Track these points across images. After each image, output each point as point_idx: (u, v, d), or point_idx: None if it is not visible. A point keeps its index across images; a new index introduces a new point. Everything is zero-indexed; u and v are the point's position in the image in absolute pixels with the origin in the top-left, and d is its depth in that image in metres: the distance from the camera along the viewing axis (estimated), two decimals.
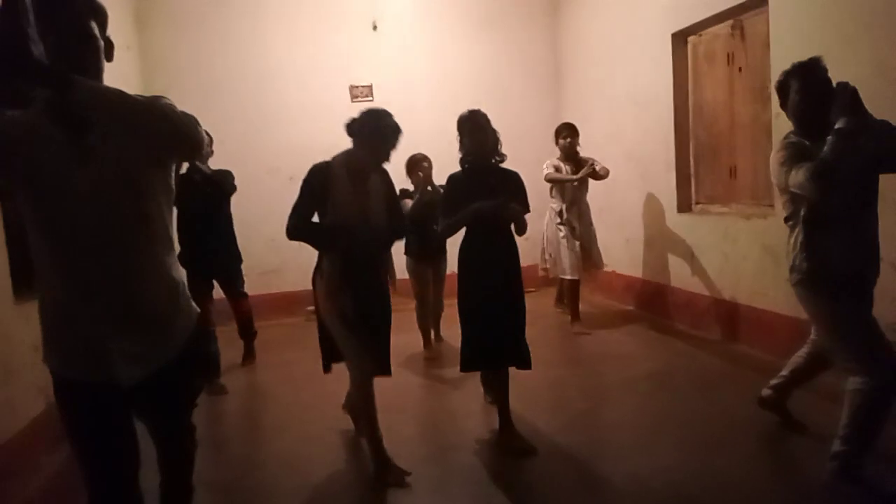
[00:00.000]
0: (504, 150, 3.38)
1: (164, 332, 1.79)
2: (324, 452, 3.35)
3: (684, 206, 5.37)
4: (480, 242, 3.27)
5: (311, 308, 6.54)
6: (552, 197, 5.68)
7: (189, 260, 4.79)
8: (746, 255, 4.53)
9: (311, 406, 4.05)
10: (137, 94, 1.71)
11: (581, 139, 6.41)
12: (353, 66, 6.94)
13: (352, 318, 2.94)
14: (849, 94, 2.42)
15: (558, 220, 5.59)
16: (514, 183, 3.32)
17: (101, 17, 1.70)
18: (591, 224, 5.71)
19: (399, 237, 3.25)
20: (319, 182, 2.92)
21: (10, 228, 3.34)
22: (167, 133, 1.66)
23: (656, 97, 5.47)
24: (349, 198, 2.93)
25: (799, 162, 2.48)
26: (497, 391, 3.37)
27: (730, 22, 4.67)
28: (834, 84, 2.54)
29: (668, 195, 5.46)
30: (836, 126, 2.41)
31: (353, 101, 6.85)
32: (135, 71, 6.14)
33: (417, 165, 4.88)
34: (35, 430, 3.24)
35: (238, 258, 4.92)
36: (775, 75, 3.98)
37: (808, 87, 2.61)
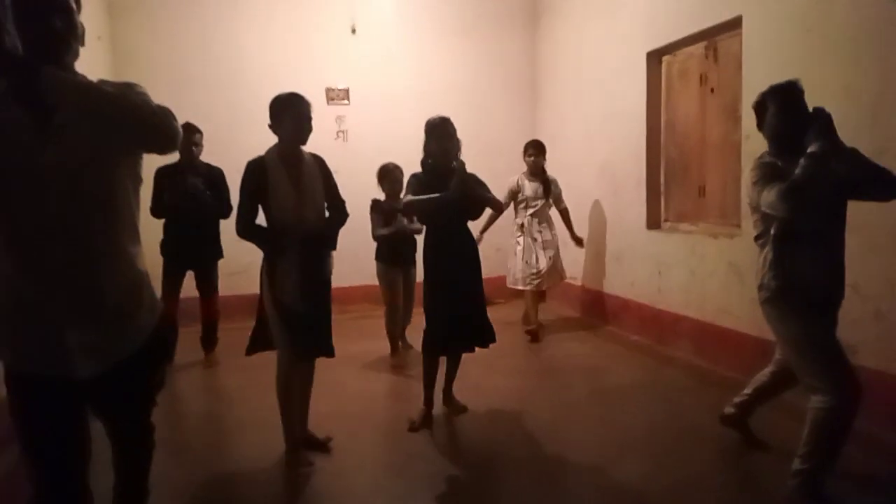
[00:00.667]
0: (478, 159, 3.55)
1: (124, 325, 1.74)
2: (283, 459, 3.27)
3: (653, 222, 5.43)
4: (441, 236, 3.57)
5: None
6: (515, 212, 5.85)
7: (170, 247, 4.79)
8: (713, 272, 4.60)
9: (274, 410, 3.95)
10: (110, 82, 1.66)
11: (555, 152, 6.53)
12: (329, 69, 6.88)
13: (290, 304, 3.00)
14: (824, 120, 2.49)
15: (518, 234, 5.79)
16: (475, 181, 3.57)
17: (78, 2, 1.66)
18: (555, 236, 5.86)
19: (341, 216, 3.26)
20: (256, 177, 3.02)
21: None
22: (136, 125, 1.64)
23: (630, 113, 5.55)
24: (286, 186, 3.01)
25: (771, 182, 2.53)
26: (449, 369, 3.79)
27: (704, 43, 4.76)
28: (810, 108, 2.59)
29: (638, 211, 5.52)
30: (809, 149, 2.46)
31: (328, 104, 6.81)
32: (105, 61, 5.99)
33: (389, 175, 4.91)
34: None
35: (218, 254, 4.95)
36: (747, 96, 4.09)
37: (785, 108, 2.67)
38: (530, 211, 5.73)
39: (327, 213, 3.23)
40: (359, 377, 4.60)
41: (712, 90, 4.73)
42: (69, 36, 1.64)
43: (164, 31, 6.38)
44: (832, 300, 2.67)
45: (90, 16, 4.64)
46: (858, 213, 3.32)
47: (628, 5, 5.51)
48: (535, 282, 5.75)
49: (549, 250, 5.79)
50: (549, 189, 5.75)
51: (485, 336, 3.68)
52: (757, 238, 2.78)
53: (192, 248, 4.74)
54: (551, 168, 6.10)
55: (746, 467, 3.14)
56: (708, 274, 4.65)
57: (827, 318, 2.64)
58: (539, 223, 5.78)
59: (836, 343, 2.60)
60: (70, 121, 1.59)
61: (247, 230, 3.03)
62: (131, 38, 6.26)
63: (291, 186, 3.02)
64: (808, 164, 2.44)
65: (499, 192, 5.82)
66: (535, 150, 5.72)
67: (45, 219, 1.60)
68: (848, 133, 3.40)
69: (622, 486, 2.90)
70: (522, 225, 5.78)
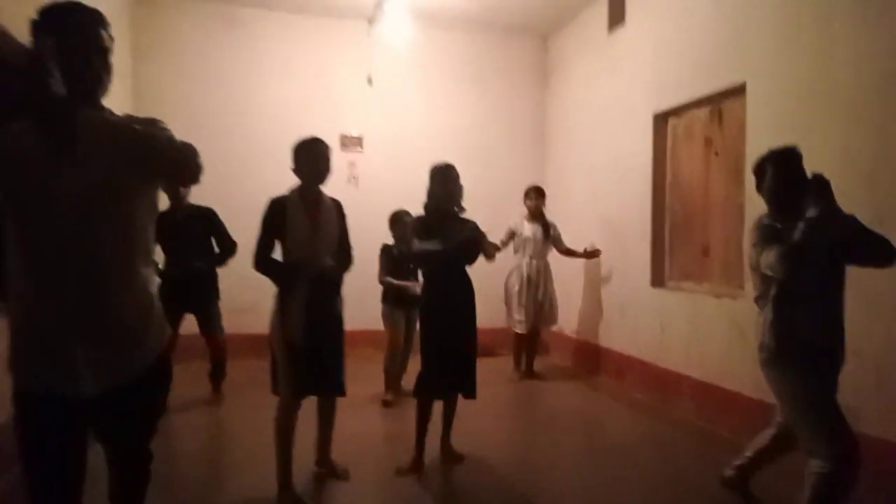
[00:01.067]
0: (486, 206, 3.65)
1: (133, 346, 1.80)
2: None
3: (658, 280, 5.46)
4: (440, 283, 3.68)
5: None
6: (514, 253, 6.14)
7: (167, 291, 4.79)
8: (715, 332, 4.59)
9: (269, 446, 3.92)
10: (136, 118, 1.78)
11: (561, 204, 6.69)
12: (345, 116, 7.08)
13: (297, 342, 3.07)
14: (822, 186, 2.54)
15: (516, 276, 6.08)
16: (470, 229, 3.75)
17: (108, 28, 1.79)
18: (550, 281, 6.14)
19: (347, 260, 3.38)
20: (276, 213, 3.15)
21: None
22: (162, 161, 1.76)
23: (636, 170, 5.64)
24: (304, 223, 3.14)
25: (770, 244, 2.58)
26: (446, 415, 3.83)
27: (709, 107, 4.88)
28: (809, 173, 2.66)
29: (642, 267, 5.56)
30: (808, 214, 2.51)
31: (342, 150, 6.95)
32: (128, 100, 6.19)
33: (400, 221, 5.11)
34: None
35: (216, 296, 5.00)
36: (750, 159, 4.16)
37: (783, 173, 2.75)
38: (529, 252, 6.03)
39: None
40: (355, 419, 4.54)
41: (716, 153, 4.82)
42: (104, 74, 1.76)
43: (186, 72, 6.61)
44: (832, 361, 2.66)
45: (116, 56, 4.83)
46: (862, 278, 3.35)
47: (636, 67, 5.67)
48: (529, 322, 6.00)
49: (546, 292, 6.07)
50: (548, 231, 6.05)
51: (467, 387, 3.70)
52: (757, 299, 2.80)
53: (190, 293, 4.72)
54: (558, 220, 6.21)
55: None
56: (710, 334, 4.65)
57: (827, 379, 2.64)
58: (537, 265, 6.05)
59: (836, 406, 2.59)
60: (93, 152, 1.67)
61: (263, 264, 3.15)
62: (154, 78, 6.48)
63: (309, 224, 3.15)
64: (806, 228, 2.48)
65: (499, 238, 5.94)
66: (536, 194, 6.10)
67: (63, 242, 1.66)
68: (846, 197, 3.45)
69: None
70: (519, 265, 6.08)
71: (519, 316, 6.01)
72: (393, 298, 5.10)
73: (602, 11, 6.26)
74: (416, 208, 4.94)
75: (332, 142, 6.86)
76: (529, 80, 7.72)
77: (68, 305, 1.68)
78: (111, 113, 1.78)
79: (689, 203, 5.20)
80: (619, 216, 5.97)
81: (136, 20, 6.42)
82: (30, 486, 1.74)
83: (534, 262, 6.04)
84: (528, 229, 6.05)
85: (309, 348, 3.09)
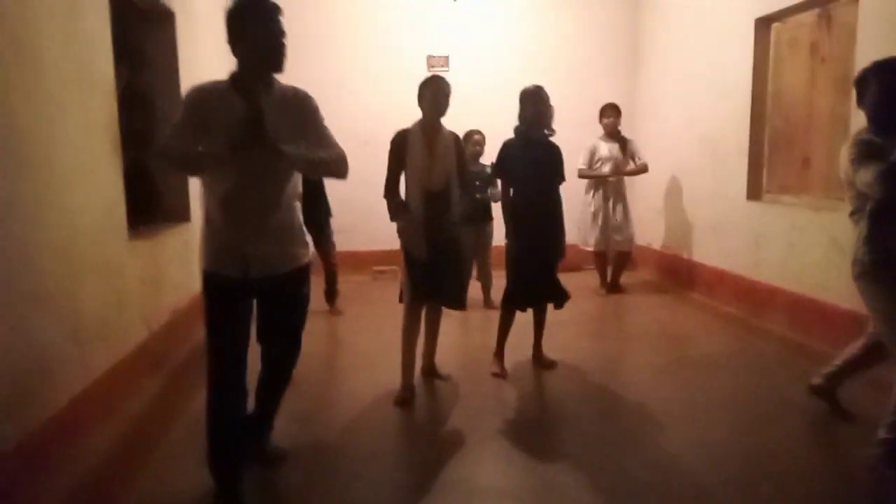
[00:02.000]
0: (576, 126, 3.75)
1: (286, 248, 2.48)
2: (387, 396, 3.63)
3: (754, 193, 5.37)
4: (529, 197, 3.87)
5: (378, 268, 6.96)
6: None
7: None
8: (813, 246, 4.54)
9: (379, 353, 4.35)
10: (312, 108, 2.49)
11: (655, 121, 6.56)
12: (431, 36, 7.13)
13: (418, 258, 3.47)
14: None
15: (591, 196, 6.18)
16: (556, 156, 3.96)
17: (283, 15, 2.35)
18: (626, 201, 6.24)
19: (464, 183, 3.71)
20: (398, 143, 3.53)
21: (128, 171, 3.71)
22: (312, 135, 2.46)
23: (735, 83, 5.45)
24: (421, 151, 3.49)
25: (868, 161, 2.56)
26: (536, 325, 4.16)
27: (817, 10, 4.61)
28: None
29: (738, 182, 5.47)
30: None
31: (429, 70, 7.03)
32: None
33: (470, 139, 5.39)
34: (139, 355, 3.65)
35: (328, 212, 5.47)
36: (859, 69, 3.98)
37: (888, 86, 2.67)
38: (606, 171, 6.05)
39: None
40: (449, 331, 4.89)
41: (823, 60, 4.59)
42: (285, 51, 2.35)
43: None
44: None
45: None
46: None
47: None
48: (607, 242, 6.14)
49: (621, 212, 6.17)
50: (625, 148, 6.06)
51: (557, 296, 4.01)
52: (852, 214, 2.82)
53: (304, 210, 5.13)
54: (650, 139, 6.13)
55: (831, 436, 3.22)
56: (808, 247, 4.60)
57: None
58: (615, 185, 6.12)
59: None
60: (271, 109, 2.32)
61: (388, 194, 3.55)
62: None
63: (427, 153, 3.49)
64: None
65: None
66: (613, 112, 6.10)
67: (248, 177, 2.32)
68: None
69: (706, 442, 3.05)
70: (595, 186, 6.15)
71: (593, 235, 6.15)
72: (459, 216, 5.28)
73: None
74: (501, 128, 5.07)
75: (420, 61, 7.07)
76: None
77: (247, 218, 2.37)
78: (278, 83, 2.42)
79: (790, 114, 5.02)
80: (715, 131, 5.82)
81: None
82: (210, 342, 2.42)
83: (611, 181, 6.08)
84: (605, 148, 6.06)
85: (428, 262, 3.46)
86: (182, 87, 4.52)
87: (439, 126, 3.57)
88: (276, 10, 2.31)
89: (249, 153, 2.21)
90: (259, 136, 2.19)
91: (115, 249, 3.43)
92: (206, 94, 2.33)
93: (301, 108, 2.44)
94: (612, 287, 6.31)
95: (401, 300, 3.68)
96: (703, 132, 6.01)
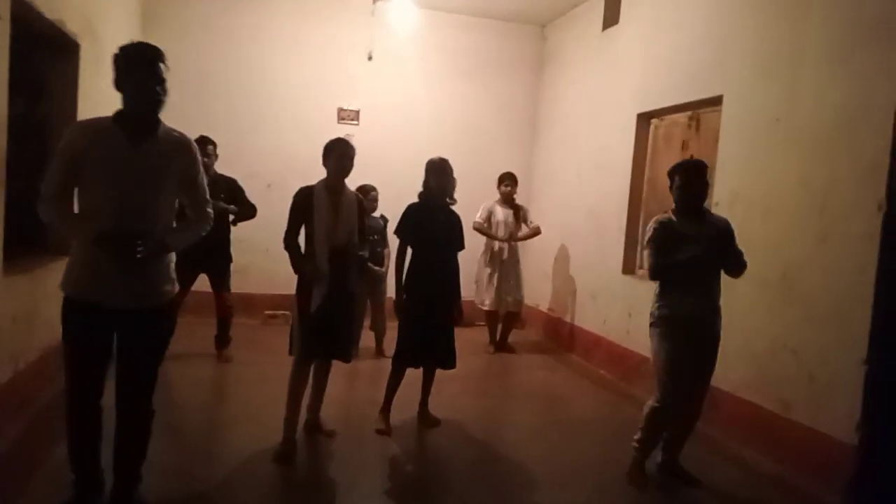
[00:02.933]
0: (477, 190, 4.07)
1: (152, 285, 2.62)
2: (270, 451, 3.61)
3: (629, 268, 5.86)
4: (428, 264, 4.07)
5: (269, 312, 6.86)
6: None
7: (185, 252, 5.10)
8: None
9: (263, 405, 4.30)
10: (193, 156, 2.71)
11: (549, 191, 7.05)
12: (344, 90, 7.32)
13: (314, 312, 3.55)
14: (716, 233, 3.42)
15: (487, 258, 6.50)
16: (458, 224, 4.24)
17: (165, 61, 2.55)
18: (518, 265, 6.59)
19: (362, 241, 3.87)
20: (304, 200, 3.65)
21: (12, 203, 3.55)
22: (190, 184, 2.72)
23: (618, 166, 5.99)
24: (327, 208, 3.62)
25: (658, 243, 3.38)
26: (424, 384, 4.29)
27: (688, 113, 5.21)
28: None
29: (616, 255, 5.95)
30: (685, 256, 3.30)
31: (339, 123, 7.21)
32: None
33: (367, 194, 5.57)
34: (3, 396, 3.43)
35: (229, 259, 5.42)
36: (721, 167, 4.56)
37: (687, 182, 3.43)
38: (500, 234, 6.42)
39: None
40: (336, 383, 4.92)
41: (692, 156, 5.17)
42: (163, 97, 2.55)
43: (194, 41, 6.77)
44: (704, 326, 3.41)
45: (125, 21, 5.20)
46: (803, 287, 3.78)
47: (625, 68, 5.98)
48: (498, 302, 6.43)
49: (514, 275, 6.51)
50: (518, 214, 6.47)
51: (448, 360, 4.17)
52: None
53: (206, 255, 5.07)
54: (545, 206, 6.56)
55: (678, 496, 3.53)
56: None
57: (697, 346, 3.40)
58: (508, 249, 6.48)
59: (680, 362, 3.36)
60: (152, 148, 2.56)
61: (289, 246, 3.65)
62: (163, 45, 6.56)
63: (332, 211, 3.64)
64: (680, 263, 3.31)
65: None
66: (511, 181, 6.51)
67: (120, 202, 2.48)
68: (799, 216, 3.86)
69: None
70: (492, 247, 6.48)
71: (488, 295, 6.45)
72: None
73: (599, 8, 6.52)
74: (407, 182, 5.29)
75: (330, 114, 7.22)
76: (526, 68, 7.98)
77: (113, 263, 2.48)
78: (162, 125, 2.62)
79: (664, 200, 5.54)
80: (600, 206, 6.33)
81: None
82: (68, 365, 2.59)
83: (505, 245, 6.44)
84: (501, 213, 6.43)
85: (323, 317, 3.56)
86: (80, 116, 4.41)
87: (343, 186, 3.74)
88: (156, 58, 2.50)
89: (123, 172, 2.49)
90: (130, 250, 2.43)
91: None
92: (86, 130, 2.52)
93: (182, 155, 2.64)
94: (501, 345, 6.59)
95: (291, 352, 3.72)
96: (590, 206, 6.51)
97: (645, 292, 5.43)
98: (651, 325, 3.51)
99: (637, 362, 5.46)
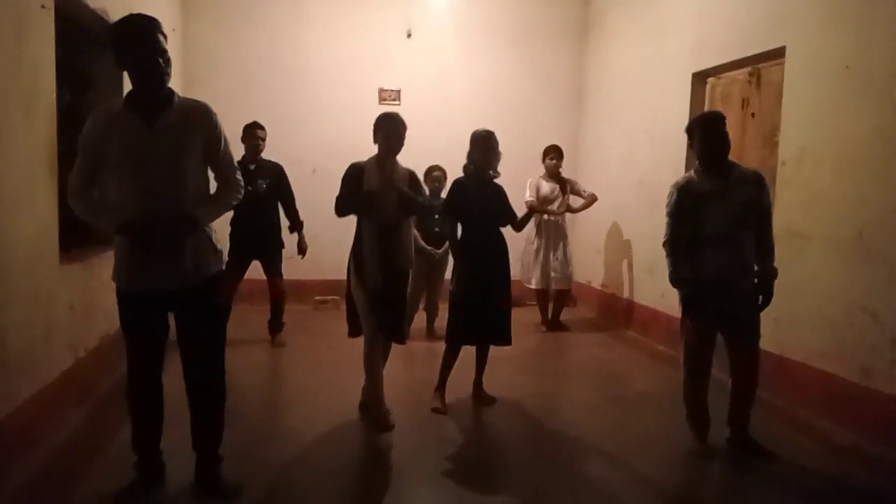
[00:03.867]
0: (520, 165, 4.01)
1: (194, 262, 2.54)
2: (327, 432, 3.60)
3: None
4: (476, 239, 3.97)
5: (319, 298, 6.89)
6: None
7: (236, 240, 5.22)
8: None
9: (318, 388, 4.31)
10: (214, 122, 2.57)
11: (596, 163, 6.81)
12: (384, 70, 7.22)
13: (373, 290, 3.53)
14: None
15: (533, 234, 6.30)
16: (502, 195, 4.10)
17: (163, 30, 2.43)
18: (567, 240, 6.38)
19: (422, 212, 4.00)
20: (354, 177, 3.58)
21: (62, 196, 3.60)
22: (214, 152, 2.60)
23: (671, 132, 5.70)
24: (378, 188, 3.53)
25: (676, 209, 3.34)
26: (478, 362, 4.17)
27: (748, 69, 4.92)
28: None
29: None
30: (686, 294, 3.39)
31: (380, 104, 7.12)
32: (176, 53, 6.39)
33: (430, 174, 5.65)
34: (65, 384, 3.49)
35: (280, 244, 5.43)
36: (786, 124, 4.28)
37: (707, 138, 3.26)
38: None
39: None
40: (391, 364, 4.87)
41: (753, 115, 4.89)
42: (166, 68, 2.43)
43: (232, 28, 6.78)
44: (729, 287, 3.27)
45: (165, 11, 5.23)
46: (884, 244, 3.52)
47: (676, 27, 5.69)
48: (547, 280, 6.25)
49: (562, 252, 6.29)
50: (564, 188, 6.26)
51: (502, 336, 4.04)
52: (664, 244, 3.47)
53: (258, 241, 5.15)
54: (593, 179, 6.35)
55: (753, 474, 3.34)
56: None
57: (720, 310, 3.30)
58: (555, 224, 6.27)
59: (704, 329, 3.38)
60: (170, 124, 2.43)
61: (343, 206, 3.56)
62: (201, 33, 6.67)
63: (382, 187, 3.52)
64: (678, 279, 3.38)
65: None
66: (556, 154, 6.27)
67: (145, 184, 2.39)
68: (875, 170, 3.60)
69: (638, 479, 3.16)
70: (539, 225, 6.26)
71: (535, 273, 6.28)
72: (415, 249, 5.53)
73: None
74: (450, 161, 5.20)
75: (371, 95, 7.14)
76: (569, 37, 7.72)
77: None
78: (178, 98, 2.52)
79: None
80: (652, 176, 6.07)
81: None
82: (127, 347, 2.62)
83: (551, 220, 6.24)
84: (546, 187, 6.23)
85: (379, 296, 3.53)
86: None
87: (394, 163, 3.66)
88: (152, 29, 2.37)
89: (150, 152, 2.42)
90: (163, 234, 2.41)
91: (46, 275, 3.31)
92: (100, 118, 2.43)
93: (203, 123, 2.51)
94: (553, 324, 6.43)
95: (351, 334, 3.71)
96: (641, 177, 6.26)
97: None
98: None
99: None
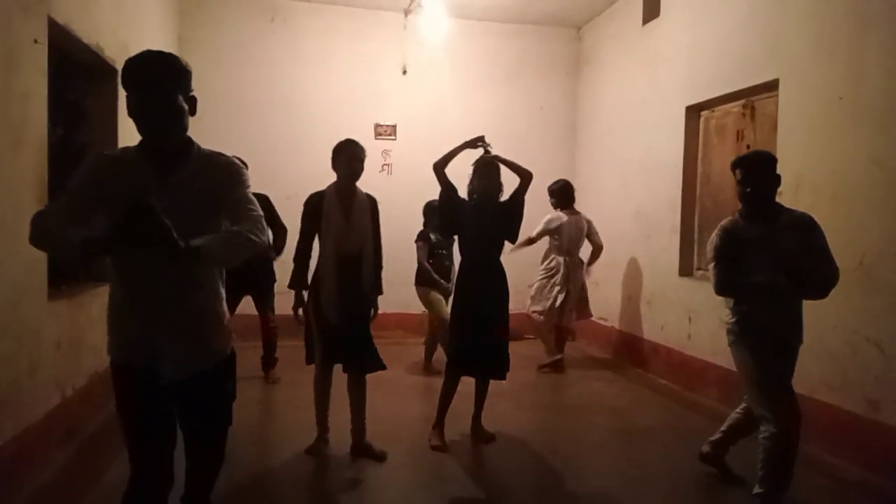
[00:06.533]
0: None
1: (207, 342, 2.09)
2: (321, 472, 3.49)
3: (686, 269, 5.57)
4: (474, 263, 3.91)
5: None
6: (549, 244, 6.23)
7: (228, 274, 5.08)
8: None
9: (310, 426, 4.17)
10: (238, 177, 2.07)
11: (591, 196, 6.79)
12: (380, 106, 7.27)
13: (333, 321, 3.51)
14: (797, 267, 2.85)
15: (549, 268, 6.12)
16: (501, 214, 3.96)
17: (186, 82, 1.97)
18: (583, 273, 6.19)
19: (378, 262, 3.80)
20: (314, 206, 3.59)
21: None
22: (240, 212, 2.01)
23: (667, 164, 5.73)
24: (338, 214, 3.54)
25: (723, 254, 2.99)
26: (477, 397, 4.07)
27: (742, 101, 4.95)
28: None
29: (670, 257, 5.67)
30: (760, 280, 2.87)
31: (376, 139, 7.15)
32: None
33: (432, 210, 5.45)
34: (51, 422, 3.39)
35: (273, 278, 5.34)
36: (782, 155, 4.25)
37: (751, 177, 2.98)
38: (564, 244, 6.05)
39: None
40: (388, 400, 4.78)
41: (748, 147, 4.89)
42: (182, 114, 1.96)
43: (230, 64, 6.83)
44: (786, 342, 2.96)
45: (161, 46, 5.17)
46: (884, 274, 3.48)
47: (669, 61, 5.75)
48: (564, 313, 6.07)
49: (577, 285, 6.11)
50: (589, 228, 6.13)
51: (499, 368, 3.94)
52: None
53: (249, 275, 5.03)
54: (588, 212, 6.33)
55: None
56: None
57: (779, 355, 2.94)
58: (572, 258, 6.11)
59: (784, 378, 2.92)
60: (186, 181, 1.95)
61: (297, 257, 3.62)
62: (198, 68, 6.49)
63: (343, 216, 3.54)
64: (756, 287, 2.90)
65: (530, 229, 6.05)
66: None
67: (157, 261, 1.79)
68: (873, 198, 3.58)
69: None
70: (553, 259, 6.12)
71: (551, 306, 6.06)
72: (428, 281, 5.47)
73: (637, 4, 6.32)
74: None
75: (367, 130, 7.17)
76: (562, 71, 7.81)
77: (155, 309, 1.96)
78: (198, 148, 2.05)
79: (718, 195, 5.29)
80: (649, 208, 6.07)
81: (184, 12, 6.67)
82: (127, 443, 2.05)
83: (567, 256, 6.08)
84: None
85: (338, 327, 3.51)
86: (120, 142, 4.43)
87: (355, 189, 3.63)
88: (158, 75, 1.89)
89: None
90: (154, 231, 1.66)
91: (33, 310, 3.23)
92: (109, 161, 1.97)
93: (224, 178, 2.02)
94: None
95: (307, 361, 3.74)
96: (638, 208, 6.25)
97: (706, 295, 5.18)
98: (731, 342, 3.06)
99: (700, 368, 5.17)
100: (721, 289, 3.00)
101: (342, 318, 3.50)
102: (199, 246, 1.77)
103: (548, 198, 6.26)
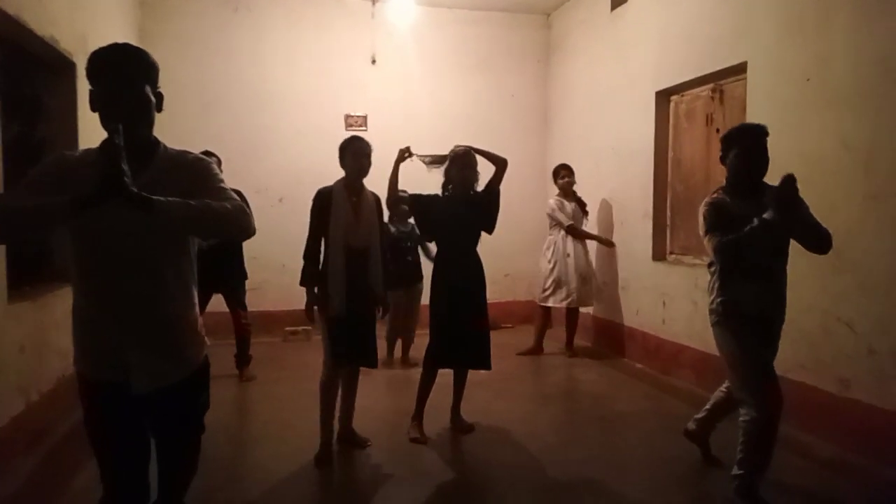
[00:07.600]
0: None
1: (180, 352, 1.99)
2: (298, 469, 3.43)
3: (659, 254, 5.60)
4: (451, 254, 3.91)
5: (290, 329, 6.70)
6: (550, 229, 6.20)
7: (199, 272, 4.97)
8: None
9: (289, 422, 4.13)
10: (208, 171, 1.96)
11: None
12: (349, 96, 7.16)
13: (340, 317, 3.46)
14: (789, 187, 2.67)
15: (551, 252, 6.10)
16: (488, 201, 3.93)
17: (154, 77, 1.91)
18: (588, 256, 6.21)
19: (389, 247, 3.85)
20: (323, 200, 3.55)
21: None
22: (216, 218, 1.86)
23: (638, 149, 5.75)
24: (347, 208, 3.53)
25: (717, 225, 2.85)
26: (456, 388, 4.08)
27: (710, 85, 4.97)
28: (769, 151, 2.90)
29: (644, 243, 5.70)
30: (764, 216, 2.69)
31: (347, 129, 7.04)
32: None
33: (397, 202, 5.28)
34: (15, 429, 3.28)
35: (243, 275, 5.27)
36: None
37: (748, 152, 2.90)
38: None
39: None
40: (366, 394, 4.71)
41: (718, 130, 4.92)
42: (150, 107, 1.89)
43: (193, 56, 6.65)
44: (771, 323, 2.95)
45: (122, 39, 5.01)
46: (853, 253, 3.52)
47: (638, 46, 5.75)
48: (567, 300, 6.03)
49: (582, 269, 6.08)
50: (584, 209, 6.17)
51: (481, 359, 3.93)
52: (710, 265, 3.08)
53: (219, 272, 4.93)
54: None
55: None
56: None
57: (763, 339, 2.93)
58: (573, 242, 6.08)
59: (767, 362, 2.91)
60: (152, 183, 1.78)
61: (307, 255, 3.58)
62: (161, 60, 6.43)
63: (352, 211, 3.55)
64: (755, 229, 2.70)
65: (525, 217, 6.03)
66: (567, 172, 6.16)
67: (119, 264, 1.81)
68: (842, 178, 3.61)
69: None
70: (556, 243, 6.10)
71: (561, 292, 6.03)
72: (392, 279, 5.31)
73: None
74: (421, 182, 5.10)
75: (337, 121, 7.06)
76: (532, 58, 7.77)
77: (124, 318, 1.86)
78: (165, 148, 1.95)
79: (689, 179, 5.32)
80: (621, 194, 6.09)
81: (145, 3, 6.48)
82: (98, 459, 1.97)
83: (569, 239, 6.06)
84: (569, 208, 6.10)
85: (345, 323, 3.47)
86: (80, 138, 4.29)
87: (361, 186, 3.64)
88: (131, 63, 1.83)
89: (109, 211, 1.64)
90: (115, 186, 1.60)
91: None
92: (73, 162, 1.86)
93: (193, 176, 1.92)
94: (569, 349, 6.27)
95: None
96: (610, 195, 6.27)
97: (679, 279, 5.24)
98: (714, 323, 3.01)
99: (675, 352, 5.21)
100: (722, 249, 2.80)
101: (349, 312, 3.48)
102: (166, 203, 1.69)
103: (521, 186, 6.25)
